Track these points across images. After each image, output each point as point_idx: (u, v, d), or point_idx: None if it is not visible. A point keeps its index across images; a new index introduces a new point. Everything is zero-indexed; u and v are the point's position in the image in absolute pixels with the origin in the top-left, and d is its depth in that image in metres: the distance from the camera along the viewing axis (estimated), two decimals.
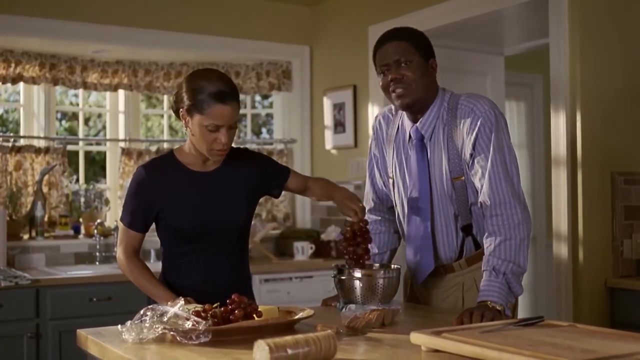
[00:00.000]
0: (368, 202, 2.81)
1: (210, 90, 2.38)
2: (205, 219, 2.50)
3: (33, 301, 3.99)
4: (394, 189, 2.65)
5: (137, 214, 2.51)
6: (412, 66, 2.45)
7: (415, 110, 2.52)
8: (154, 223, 2.58)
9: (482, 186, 2.39)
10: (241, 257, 2.63)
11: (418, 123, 2.52)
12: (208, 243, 2.52)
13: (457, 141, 2.45)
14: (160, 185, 2.50)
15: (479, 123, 2.40)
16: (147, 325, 1.99)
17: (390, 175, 2.65)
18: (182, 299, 2.26)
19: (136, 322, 2.02)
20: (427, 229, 2.53)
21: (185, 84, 2.44)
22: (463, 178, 2.45)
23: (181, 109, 2.45)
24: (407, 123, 2.56)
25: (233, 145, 2.55)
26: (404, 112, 2.56)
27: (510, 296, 2.33)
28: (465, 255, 2.53)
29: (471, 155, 2.42)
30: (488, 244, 2.36)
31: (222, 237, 2.53)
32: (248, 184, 2.59)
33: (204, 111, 2.38)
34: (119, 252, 2.55)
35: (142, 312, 2.03)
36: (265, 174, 2.64)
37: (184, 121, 2.47)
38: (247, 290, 2.61)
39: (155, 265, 3.12)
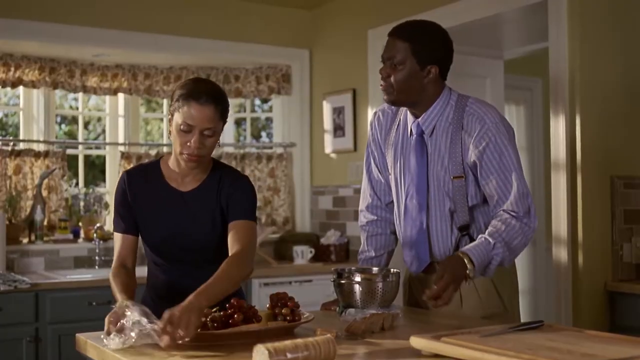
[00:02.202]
0: (365, 198, 2.80)
1: (191, 89, 2.34)
2: (171, 238, 2.46)
3: (32, 305, 3.98)
4: (392, 184, 2.66)
5: (123, 216, 2.50)
6: (401, 69, 2.46)
7: (410, 107, 2.54)
8: None
9: (502, 195, 2.42)
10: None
11: (420, 119, 2.53)
12: (179, 260, 2.49)
13: (461, 142, 2.46)
14: (137, 195, 2.49)
15: (490, 134, 2.42)
16: (130, 333, 1.97)
17: (390, 171, 2.66)
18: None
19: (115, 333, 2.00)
20: (423, 224, 2.54)
21: (176, 87, 2.43)
22: (463, 178, 2.46)
23: (169, 112, 2.42)
24: (410, 118, 2.58)
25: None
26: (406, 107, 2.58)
27: (483, 270, 2.35)
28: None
29: (476, 162, 2.42)
30: (499, 224, 2.38)
31: (191, 256, 2.48)
32: (222, 210, 2.48)
33: (180, 109, 2.33)
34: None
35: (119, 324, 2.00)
36: (227, 203, 2.47)
37: (169, 124, 2.42)
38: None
39: None
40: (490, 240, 2.34)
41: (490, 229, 2.39)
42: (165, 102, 5.63)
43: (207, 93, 2.33)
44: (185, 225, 2.46)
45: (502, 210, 2.41)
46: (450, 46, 2.55)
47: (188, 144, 2.33)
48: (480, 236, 2.38)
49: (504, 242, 2.35)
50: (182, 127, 2.32)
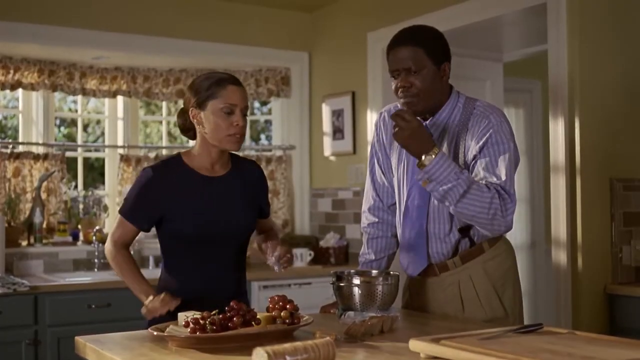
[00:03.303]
0: (368, 200, 2.80)
1: (220, 76, 2.50)
2: (209, 224, 2.49)
3: (31, 308, 3.98)
4: (395, 185, 2.66)
5: (141, 211, 2.50)
6: (422, 74, 2.45)
7: (429, 113, 2.53)
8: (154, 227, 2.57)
9: (491, 169, 2.40)
10: (241, 266, 2.63)
11: (428, 121, 2.53)
12: (210, 249, 2.51)
13: (464, 143, 2.46)
14: (166, 187, 2.49)
15: (493, 130, 2.42)
16: None
17: (394, 172, 2.65)
18: (161, 295, 2.34)
19: None
20: (422, 226, 2.53)
21: (192, 85, 2.53)
22: None
23: (192, 109, 2.49)
24: None
25: (240, 154, 2.59)
26: None
27: (436, 185, 2.32)
28: (459, 254, 2.52)
29: (477, 155, 2.42)
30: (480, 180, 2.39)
31: (224, 244, 2.53)
32: (252, 194, 2.62)
33: (218, 94, 2.45)
34: (108, 241, 2.53)
35: None
36: (261, 194, 2.68)
37: (195, 120, 2.50)
38: (245, 299, 2.62)
39: (154, 272, 3.11)
40: (464, 171, 2.34)
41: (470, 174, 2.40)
42: (164, 104, 5.62)
43: (235, 77, 2.52)
44: (222, 207, 2.52)
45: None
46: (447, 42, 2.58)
47: (234, 123, 2.45)
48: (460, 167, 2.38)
49: (468, 183, 2.31)
50: (224, 109, 2.45)
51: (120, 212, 2.54)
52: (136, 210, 2.51)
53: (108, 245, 2.54)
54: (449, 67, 2.52)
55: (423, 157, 2.32)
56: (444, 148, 2.50)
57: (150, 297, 2.36)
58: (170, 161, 2.58)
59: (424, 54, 2.45)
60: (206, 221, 2.49)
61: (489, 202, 2.32)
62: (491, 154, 2.41)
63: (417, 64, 2.44)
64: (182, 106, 2.58)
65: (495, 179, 2.38)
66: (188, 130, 2.58)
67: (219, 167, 2.56)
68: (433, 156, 2.31)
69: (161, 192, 2.49)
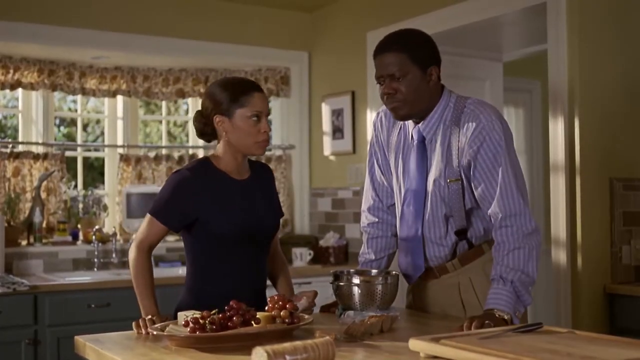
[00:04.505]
0: (367, 200, 2.79)
1: (244, 84, 2.55)
2: (241, 225, 2.52)
3: (31, 307, 3.98)
4: (394, 187, 2.65)
5: (175, 211, 2.50)
6: (406, 80, 2.41)
7: (418, 118, 2.51)
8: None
9: (489, 197, 2.38)
10: (265, 265, 2.69)
11: (420, 124, 2.51)
12: (240, 249, 2.53)
13: (457, 144, 2.44)
14: (201, 187, 2.50)
15: (484, 133, 2.38)
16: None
17: (392, 174, 2.65)
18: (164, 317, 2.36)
19: None
20: (418, 231, 2.52)
21: (214, 92, 2.54)
22: (459, 181, 2.44)
23: (217, 116, 2.51)
24: (410, 123, 2.56)
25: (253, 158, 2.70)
26: None
27: (520, 305, 2.32)
28: (458, 256, 2.52)
29: (470, 163, 2.40)
30: (496, 252, 2.35)
31: (253, 244, 2.57)
32: (270, 196, 2.69)
33: (246, 102, 2.50)
34: (134, 243, 2.52)
35: None
36: (275, 200, 2.74)
37: (221, 127, 2.52)
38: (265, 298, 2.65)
39: None
40: (495, 276, 2.32)
41: (493, 263, 2.37)
42: (164, 104, 5.62)
43: (257, 84, 2.57)
44: (254, 208, 2.58)
45: (494, 232, 2.38)
46: (436, 45, 2.55)
47: (261, 130, 2.52)
48: (492, 278, 2.33)
49: (510, 268, 2.30)
50: (253, 117, 2.50)
51: (151, 212, 2.52)
52: (169, 209, 2.50)
53: (133, 246, 2.52)
54: (436, 70, 2.47)
55: (511, 320, 2.27)
56: (438, 149, 2.48)
57: (149, 317, 2.35)
58: (201, 163, 2.60)
59: (408, 59, 2.41)
60: (238, 222, 2.52)
61: (520, 242, 2.33)
62: (487, 167, 2.38)
63: (401, 70, 2.41)
64: (192, 108, 2.62)
65: (496, 206, 2.36)
66: (206, 134, 2.61)
67: (243, 170, 2.61)
68: (506, 315, 2.25)
69: (196, 193, 2.50)
